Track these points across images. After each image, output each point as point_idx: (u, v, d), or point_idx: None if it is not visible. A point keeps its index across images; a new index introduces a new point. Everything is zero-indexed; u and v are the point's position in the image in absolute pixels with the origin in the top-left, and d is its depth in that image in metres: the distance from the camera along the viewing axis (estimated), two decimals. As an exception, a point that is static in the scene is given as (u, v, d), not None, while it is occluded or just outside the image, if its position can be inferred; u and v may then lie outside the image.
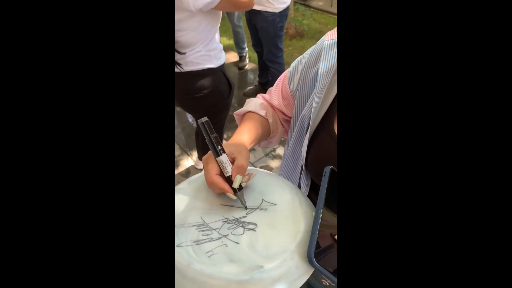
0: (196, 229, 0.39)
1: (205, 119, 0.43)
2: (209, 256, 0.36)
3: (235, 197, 0.43)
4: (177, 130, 2.35)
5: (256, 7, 1.87)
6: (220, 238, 0.38)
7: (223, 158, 0.43)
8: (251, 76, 2.92)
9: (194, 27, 1.05)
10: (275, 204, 0.42)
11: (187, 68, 1.15)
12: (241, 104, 2.57)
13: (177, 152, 2.18)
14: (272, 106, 0.68)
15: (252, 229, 0.39)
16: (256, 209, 0.42)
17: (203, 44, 1.12)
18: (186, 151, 2.18)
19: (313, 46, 0.59)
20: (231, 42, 3.21)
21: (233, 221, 0.40)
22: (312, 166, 0.57)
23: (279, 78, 0.68)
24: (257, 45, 2.29)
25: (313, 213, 0.35)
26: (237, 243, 0.38)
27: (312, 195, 0.64)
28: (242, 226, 0.40)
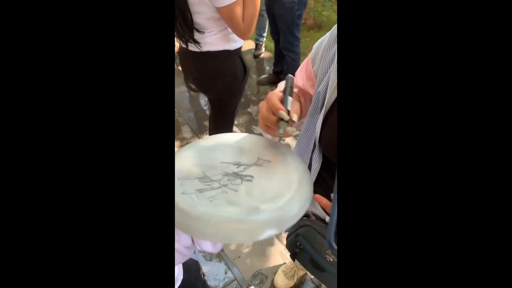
0: (199, 181, 0.43)
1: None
2: (211, 201, 0.40)
3: (287, 117, 0.47)
4: (190, 113, 2.40)
5: None
6: (220, 187, 0.42)
7: (291, 98, 0.50)
8: (266, 65, 2.92)
9: (211, 14, 1.08)
10: (270, 161, 0.47)
11: (205, 48, 1.18)
12: (253, 92, 2.60)
13: (189, 135, 2.23)
14: (297, 87, 0.69)
15: (249, 180, 0.43)
16: (252, 165, 0.46)
17: (220, 27, 1.15)
18: (197, 135, 2.23)
19: (334, 26, 0.60)
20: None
21: (232, 175, 0.44)
22: (325, 143, 0.59)
23: (304, 60, 0.69)
24: (275, 32, 2.29)
25: (331, 195, 0.38)
26: (236, 190, 0.42)
27: (323, 172, 0.66)
28: (240, 178, 0.43)
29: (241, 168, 0.45)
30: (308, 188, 0.43)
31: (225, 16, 1.06)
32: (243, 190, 0.42)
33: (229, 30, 1.17)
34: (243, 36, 1.15)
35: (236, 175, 0.44)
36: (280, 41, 2.24)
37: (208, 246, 0.43)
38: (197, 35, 1.15)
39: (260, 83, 2.59)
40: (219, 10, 1.05)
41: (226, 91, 1.37)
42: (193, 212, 0.38)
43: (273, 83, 2.54)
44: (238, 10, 1.05)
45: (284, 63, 2.34)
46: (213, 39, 1.17)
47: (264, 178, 0.44)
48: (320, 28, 3.34)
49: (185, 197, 0.40)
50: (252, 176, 0.44)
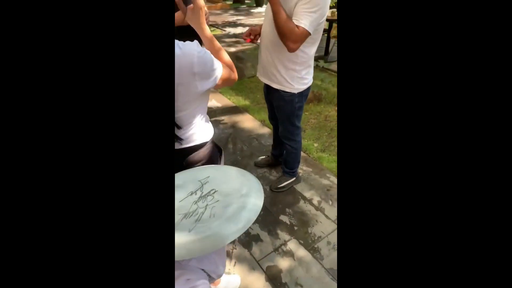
0: (186, 218, 0.61)
1: None
2: (214, 216, 0.61)
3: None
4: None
5: (274, 86, 1.70)
6: (205, 208, 0.64)
7: None
8: (267, 141, 2.64)
9: (194, 106, 1.08)
10: (208, 176, 0.75)
11: (186, 144, 1.16)
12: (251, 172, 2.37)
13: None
14: None
15: (215, 191, 0.69)
16: (202, 186, 0.72)
17: (200, 120, 1.14)
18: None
19: None
20: (247, 102, 3.23)
21: (199, 199, 0.67)
22: None
23: None
24: (273, 118, 2.01)
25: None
26: (217, 200, 0.64)
27: None
28: (208, 195, 0.68)
29: (198, 192, 0.68)
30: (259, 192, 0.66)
31: (220, 85, 1.09)
32: (221, 196, 0.65)
33: (205, 120, 1.18)
34: (235, 79, 1.14)
35: (202, 197, 0.67)
36: (279, 129, 1.95)
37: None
38: (177, 132, 1.11)
39: (257, 165, 2.34)
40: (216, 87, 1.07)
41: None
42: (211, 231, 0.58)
43: (271, 165, 2.31)
44: (224, 72, 1.05)
45: (284, 148, 2.03)
46: (191, 133, 1.14)
47: (222, 183, 0.68)
48: (319, 101, 3.31)
49: (195, 233, 0.57)
50: (213, 189, 0.67)
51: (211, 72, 0.98)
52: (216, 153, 1.32)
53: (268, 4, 1.37)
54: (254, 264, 1.59)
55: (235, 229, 0.55)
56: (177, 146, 1.17)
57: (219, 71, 1.01)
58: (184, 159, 1.21)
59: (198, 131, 1.18)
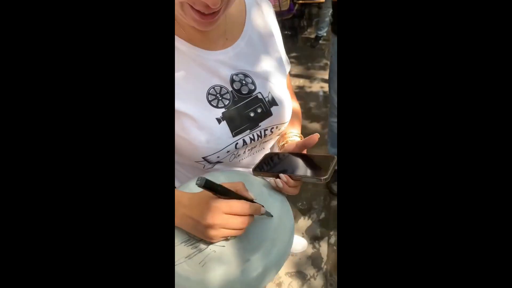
0: (185, 244, 0.43)
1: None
2: (203, 266, 0.40)
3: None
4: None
5: None
6: (207, 246, 0.43)
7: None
8: None
9: None
10: None
11: None
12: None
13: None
14: None
15: None
16: None
17: None
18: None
19: None
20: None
21: None
22: None
23: None
24: None
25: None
26: (223, 245, 0.42)
27: None
28: None
29: None
30: (288, 216, 0.44)
31: None
32: (230, 243, 0.42)
33: None
34: None
35: None
36: None
37: None
38: None
39: None
40: None
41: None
42: (188, 285, 0.38)
43: None
44: None
45: None
46: None
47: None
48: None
49: (177, 269, 0.40)
50: None
51: None
52: None
53: None
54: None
55: None
56: None
57: None
58: None
59: None
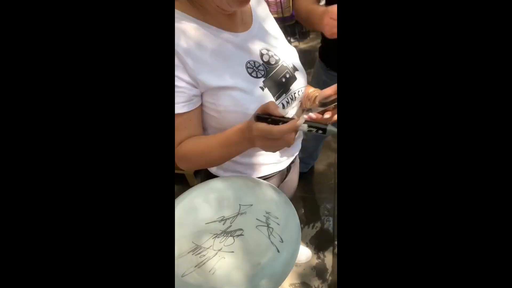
0: (193, 254, 0.40)
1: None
2: (213, 273, 0.39)
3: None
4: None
5: None
6: (216, 253, 0.41)
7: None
8: None
9: None
10: (251, 205, 0.45)
11: None
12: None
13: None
14: None
15: (240, 235, 0.40)
16: (237, 215, 0.44)
17: None
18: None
19: None
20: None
21: (222, 234, 0.41)
22: None
23: None
24: None
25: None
26: (232, 251, 0.40)
27: None
28: (231, 235, 0.40)
29: (228, 223, 0.42)
30: (294, 217, 0.43)
31: None
32: (238, 248, 0.41)
33: None
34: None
35: (226, 233, 0.41)
36: None
37: None
38: None
39: None
40: None
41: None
42: None
43: None
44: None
45: None
46: None
47: (253, 226, 0.43)
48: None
49: (187, 279, 0.39)
50: (241, 229, 0.41)
51: None
52: None
53: None
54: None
55: None
56: None
57: None
58: None
59: None
